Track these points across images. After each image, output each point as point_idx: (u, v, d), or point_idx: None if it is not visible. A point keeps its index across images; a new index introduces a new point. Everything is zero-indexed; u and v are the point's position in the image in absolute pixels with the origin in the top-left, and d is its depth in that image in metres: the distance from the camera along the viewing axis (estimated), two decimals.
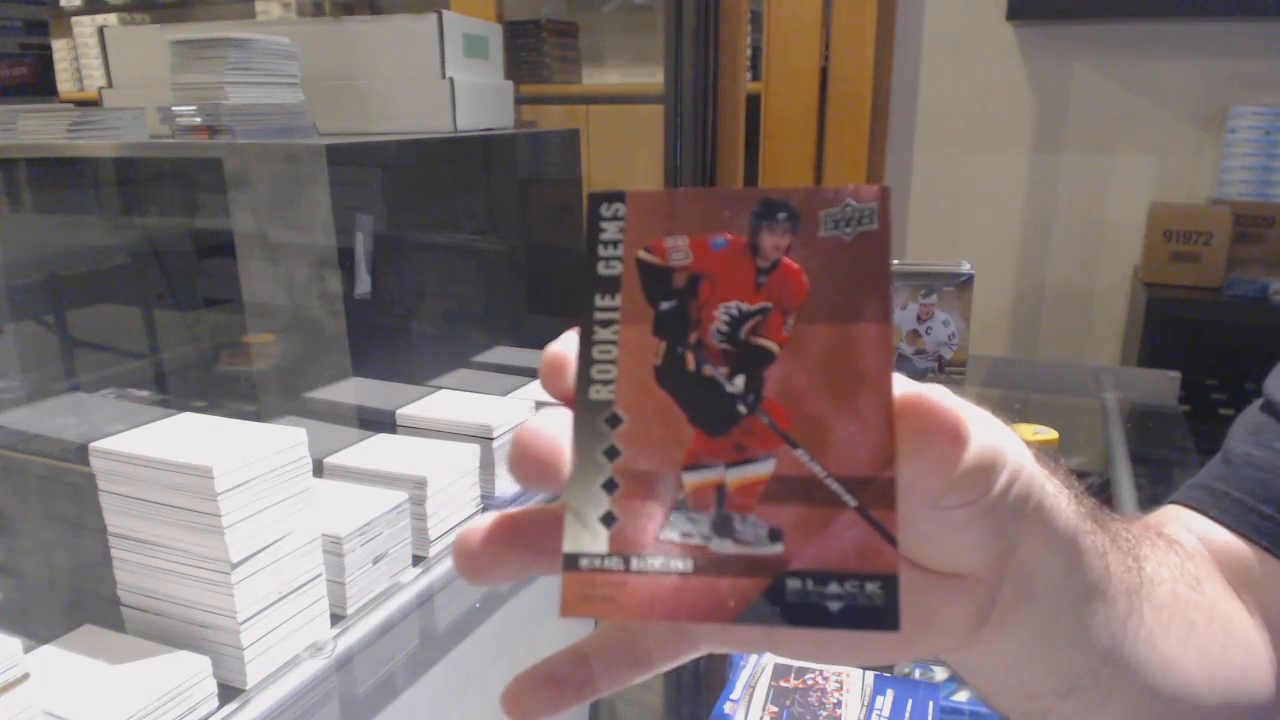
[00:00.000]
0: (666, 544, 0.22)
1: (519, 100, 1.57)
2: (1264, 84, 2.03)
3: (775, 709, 0.72)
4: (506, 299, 1.40)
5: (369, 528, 0.82)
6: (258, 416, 1.04)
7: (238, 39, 1.11)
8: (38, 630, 0.71)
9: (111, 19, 3.43)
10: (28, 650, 0.62)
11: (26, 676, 0.58)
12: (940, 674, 0.91)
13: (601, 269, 0.23)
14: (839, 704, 0.73)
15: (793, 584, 0.21)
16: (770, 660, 0.79)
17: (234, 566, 0.68)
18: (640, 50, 2.96)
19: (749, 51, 2.24)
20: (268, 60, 1.15)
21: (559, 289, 1.55)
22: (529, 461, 0.22)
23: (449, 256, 1.27)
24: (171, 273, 1.32)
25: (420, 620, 0.86)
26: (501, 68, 1.44)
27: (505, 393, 1.18)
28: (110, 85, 1.41)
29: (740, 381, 0.22)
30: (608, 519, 0.22)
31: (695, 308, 0.23)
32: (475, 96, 1.32)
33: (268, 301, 1.05)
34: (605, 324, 0.23)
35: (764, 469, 0.22)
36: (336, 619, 0.80)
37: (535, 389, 1.21)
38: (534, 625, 0.90)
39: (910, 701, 0.74)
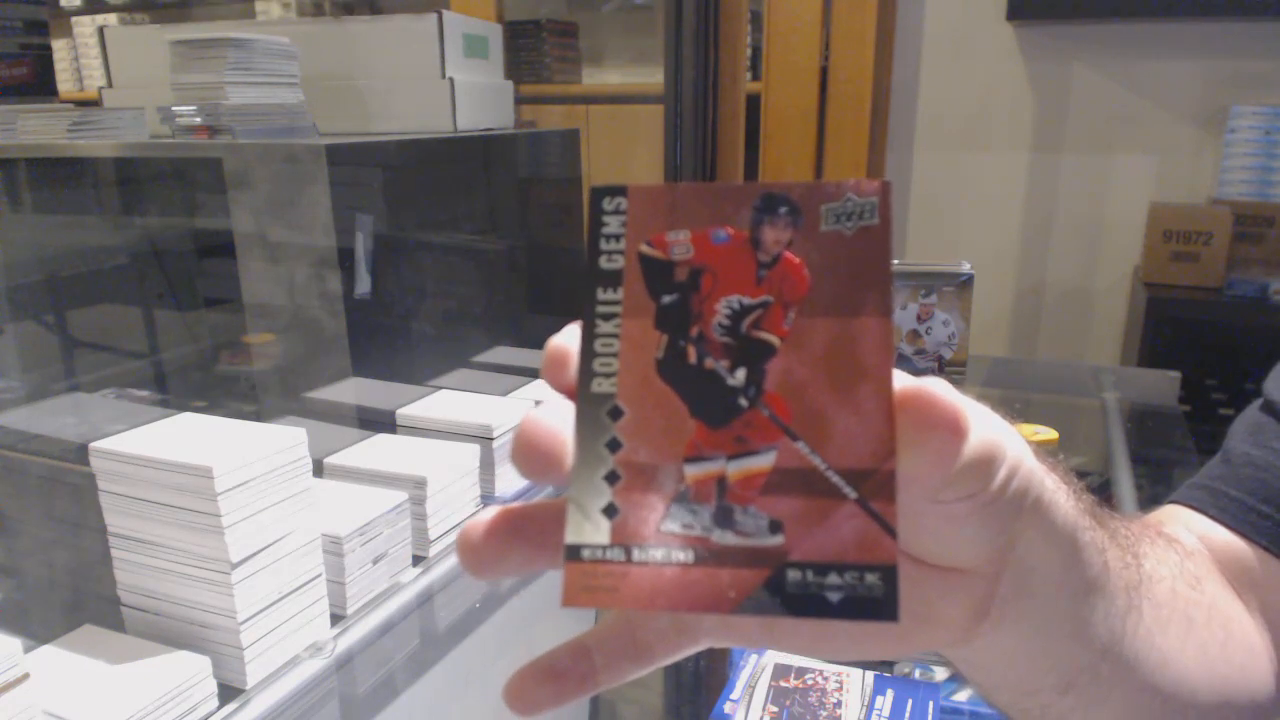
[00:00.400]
0: (668, 535, 0.22)
1: (519, 100, 1.57)
2: (1264, 84, 2.03)
3: (775, 709, 0.72)
4: (506, 299, 1.40)
5: (369, 528, 0.82)
6: (258, 416, 1.04)
7: (238, 39, 1.11)
8: (38, 630, 0.71)
9: (111, 19, 3.43)
10: (28, 650, 0.62)
11: (26, 676, 0.58)
12: (940, 674, 0.91)
13: (603, 262, 0.23)
14: (839, 704, 0.73)
15: (793, 575, 0.21)
16: (770, 660, 0.79)
17: (234, 566, 0.68)
18: (640, 50, 2.96)
19: (749, 51, 2.24)
20: (268, 60, 1.15)
21: (559, 289, 1.55)
22: (532, 453, 0.22)
23: (449, 256, 1.27)
24: (171, 273, 1.32)
25: (420, 620, 0.86)
26: (501, 68, 1.44)
27: (505, 393, 1.18)
28: (110, 85, 1.41)
29: (741, 375, 0.23)
30: (609, 510, 0.22)
31: (697, 301, 0.23)
32: (475, 96, 1.32)
33: (268, 301, 1.05)
34: (607, 317, 0.23)
35: (765, 461, 0.22)
36: (336, 619, 0.80)
37: (535, 389, 1.21)
38: (534, 625, 0.90)
39: (910, 701, 0.74)
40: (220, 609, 0.69)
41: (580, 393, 0.23)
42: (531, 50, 2.70)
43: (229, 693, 0.70)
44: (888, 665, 0.89)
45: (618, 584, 0.21)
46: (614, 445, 0.22)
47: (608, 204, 0.24)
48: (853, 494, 0.21)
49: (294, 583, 0.74)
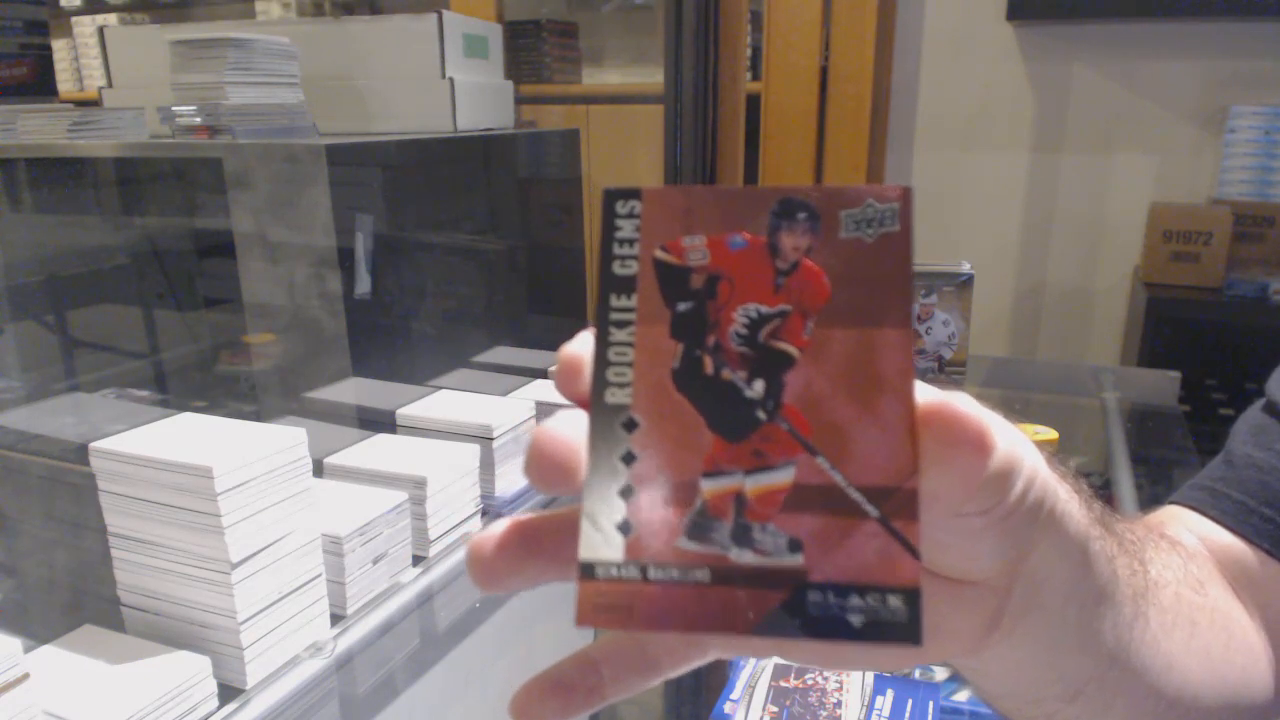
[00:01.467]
0: (684, 553, 0.21)
1: (519, 100, 1.57)
2: (1264, 84, 2.03)
3: (775, 709, 0.72)
4: (506, 299, 1.40)
5: (369, 528, 0.82)
6: (258, 416, 1.04)
7: (238, 39, 1.11)
8: (38, 630, 0.71)
9: (111, 19, 3.43)
10: (28, 650, 0.62)
11: (26, 676, 0.58)
12: (940, 674, 0.91)
13: (616, 268, 0.23)
14: (839, 704, 0.73)
15: (813, 596, 0.21)
16: (770, 660, 0.79)
17: (234, 566, 0.68)
18: (640, 50, 2.96)
19: (749, 51, 2.24)
20: (268, 60, 1.15)
21: (559, 289, 1.55)
22: (545, 465, 0.22)
23: (449, 257, 1.27)
24: (171, 273, 1.32)
25: (420, 620, 0.86)
26: (501, 68, 1.44)
27: (505, 393, 1.18)
28: (110, 85, 1.41)
29: (759, 386, 0.22)
30: (624, 526, 0.21)
31: (713, 309, 0.23)
32: (475, 96, 1.32)
33: (268, 301, 1.05)
34: (621, 325, 0.22)
35: (784, 477, 0.21)
36: (336, 619, 0.80)
37: (535, 389, 1.21)
38: (534, 625, 0.90)
39: (910, 701, 0.74)
40: (220, 609, 0.69)
41: (593, 403, 0.22)
42: (531, 50, 2.70)
43: (229, 693, 0.70)
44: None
45: (632, 603, 0.21)
46: (628, 458, 0.22)
47: (621, 207, 0.23)
48: (875, 512, 0.21)
49: (294, 583, 0.74)
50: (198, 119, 1.11)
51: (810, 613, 0.21)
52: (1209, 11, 2.02)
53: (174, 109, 1.12)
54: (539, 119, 2.52)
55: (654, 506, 0.21)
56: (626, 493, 0.21)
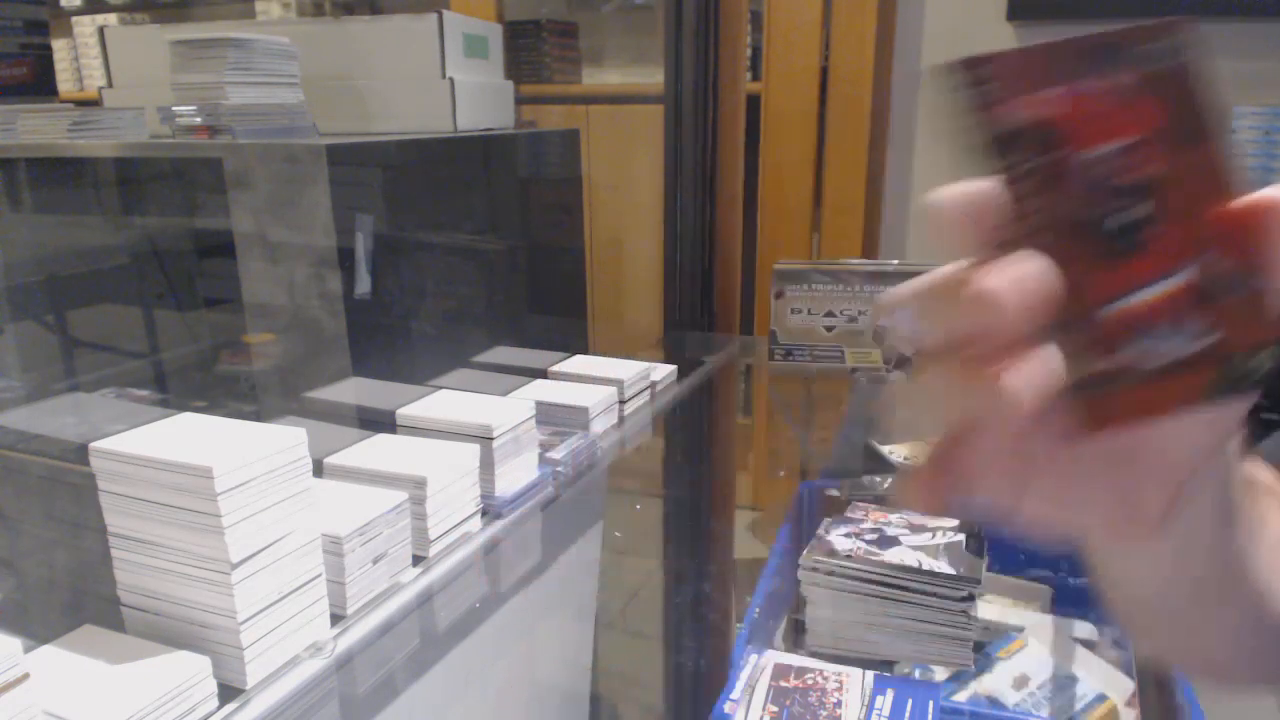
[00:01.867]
0: (1123, 362, 0.26)
1: (519, 100, 1.57)
2: (1264, 84, 2.03)
3: (775, 709, 0.72)
4: (506, 299, 1.40)
5: (369, 528, 0.82)
6: (258, 416, 1.04)
7: (238, 39, 1.11)
8: (38, 630, 0.71)
9: (111, 19, 3.43)
10: (28, 650, 0.62)
11: (26, 676, 0.58)
12: (940, 674, 0.91)
13: (980, 134, 0.26)
14: (839, 704, 0.73)
15: (1231, 366, 0.26)
16: (770, 660, 0.79)
17: (234, 566, 0.68)
18: (640, 50, 2.96)
19: (749, 51, 2.24)
20: (268, 60, 1.15)
21: (559, 289, 1.55)
22: (1019, 307, 0.25)
23: (449, 257, 1.27)
24: (171, 273, 1.32)
25: (420, 620, 0.86)
26: (501, 68, 1.44)
27: (505, 393, 1.18)
28: (110, 85, 1.41)
29: (1130, 213, 0.26)
30: (1077, 354, 0.26)
31: (1074, 154, 0.26)
32: (475, 96, 1.32)
33: (268, 301, 1.05)
34: (1004, 183, 0.26)
35: (1175, 283, 0.26)
36: (336, 619, 0.80)
37: (535, 389, 1.20)
38: (534, 625, 0.90)
39: (910, 701, 0.74)
40: (220, 609, 0.69)
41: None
42: (531, 50, 2.70)
43: (229, 693, 0.70)
44: (888, 665, 0.89)
45: (1117, 407, 0.27)
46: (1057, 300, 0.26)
47: (975, 74, 0.26)
48: (1255, 286, 0.26)
49: (294, 583, 0.74)
50: (198, 119, 1.11)
51: (1235, 375, 0.26)
52: (1209, 11, 2.02)
53: (174, 109, 1.12)
54: (539, 119, 2.52)
55: (1084, 335, 0.26)
56: (1068, 328, 0.26)
